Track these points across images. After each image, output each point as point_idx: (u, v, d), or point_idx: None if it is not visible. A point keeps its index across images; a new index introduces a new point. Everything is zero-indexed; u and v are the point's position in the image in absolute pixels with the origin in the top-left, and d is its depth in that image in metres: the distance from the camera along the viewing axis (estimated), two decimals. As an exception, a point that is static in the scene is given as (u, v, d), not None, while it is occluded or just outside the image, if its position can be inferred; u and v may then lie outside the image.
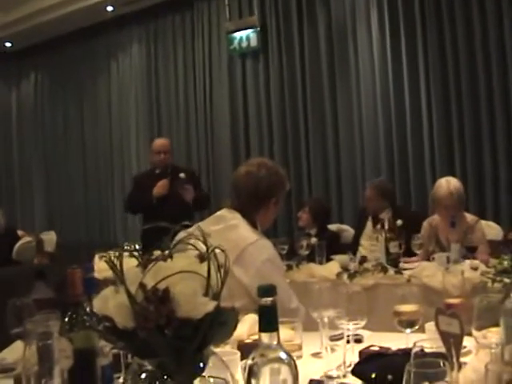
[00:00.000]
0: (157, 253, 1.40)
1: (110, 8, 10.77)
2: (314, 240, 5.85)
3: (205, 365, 1.39)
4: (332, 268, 5.22)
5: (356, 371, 2.17)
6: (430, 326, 2.37)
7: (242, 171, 3.37)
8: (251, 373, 1.35)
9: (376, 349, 2.42)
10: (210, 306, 1.31)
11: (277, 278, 3.09)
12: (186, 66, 10.56)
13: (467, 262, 4.82)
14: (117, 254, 1.36)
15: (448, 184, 5.51)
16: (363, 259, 5.38)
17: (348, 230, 7.08)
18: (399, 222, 5.82)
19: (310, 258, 5.55)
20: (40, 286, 2.87)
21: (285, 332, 2.38)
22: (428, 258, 5.29)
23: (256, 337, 2.41)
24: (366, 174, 8.29)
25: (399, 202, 7.70)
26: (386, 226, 6.05)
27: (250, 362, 1.36)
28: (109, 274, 1.40)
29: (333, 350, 2.31)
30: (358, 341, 2.57)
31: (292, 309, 3.06)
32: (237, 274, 2.98)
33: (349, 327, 2.31)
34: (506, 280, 4.20)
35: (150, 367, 1.38)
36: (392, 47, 8.19)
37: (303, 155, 9.10)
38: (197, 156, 10.36)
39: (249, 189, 3.29)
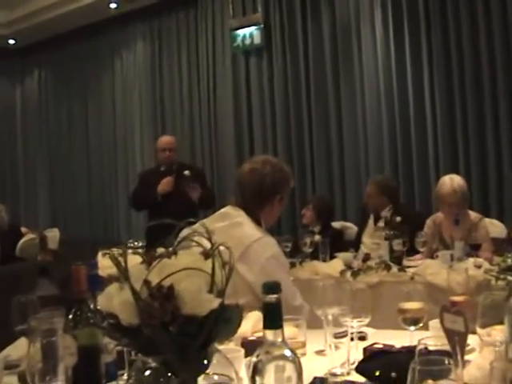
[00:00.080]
0: (160, 250, 1.40)
1: (113, 5, 10.78)
2: (317, 237, 5.85)
3: (209, 362, 1.39)
4: (336, 266, 5.21)
5: (360, 369, 2.16)
6: (434, 323, 2.37)
7: (247, 168, 3.37)
8: (256, 370, 1.35)
9: (380, 346, 2.42)
10: (215, 302, 1.32)
11: (281, 275, 3.08)
12: (189, 63, 10.56)
13: (471, 259, 4.81)
14: (121, 251, 1.36)
15: (452, 181, 5.50)
16: (367, 257, 5.37)
17: (351, 228, 7.07)
18: (398, 218, 5.81)
19: (314, 256, 5.54)
20: (44, 282, 2.88)
21: (289, 329, 2.38)
22: (431, 255, 5.28)
23: (260, 334, 2.42)
24: (370, 172, 8.28)
25: (403, 199, 7.70)
26: (383, 223, 6.06)
27: (254, 359, 1.36)
28: (112, 271, 1.40)
29: (337, 347, 2.30)
30: (362, 338, 2.57)
31: (296, 306, 3.06)
32: (241, 271, 2.98)
33: (353, 325, 2.31)
34: (510, 278, 4.20)
35: (154, 364, 1.38)
36: (396, 45, 8.18)
37: (307, 153, 9.10)
38: (201, 153, 10.37)
39: (253, 186, 3.29)
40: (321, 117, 8.96)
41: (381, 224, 6.13)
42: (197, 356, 1.36)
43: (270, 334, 1.37)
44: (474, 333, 1.93)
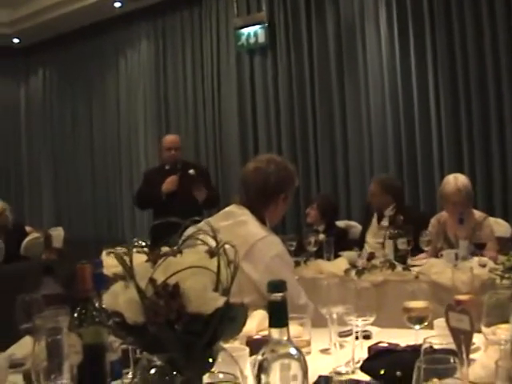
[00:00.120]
0: (165, 249, 1.40)
1: (117, 4, 10.79)
2: (321, 236, 5.84)
3: (214, 360, 1.39)
4: (340, 264, 5.21)
5: (365, 367, 2.16)
6: (439, 322, 2.37)
7: (251, 167, 3.36)
8: (261, 368, 1.35)
9: (385, 345, 2.42)
10: (220, 301, 1.32)
11: (286, 273, 3.07)
12: (194, 62, 10.56)
13: (475, 258, 4.80)
14: (126, 249, 1.36)
15: (456, 180, 5.49)
16: (371, 256, 5.37)
17: (356, 227, 7.06)
18: (401, 217, 5.80)
19: (318, 255, 5.54)
20: (48, 281, 2.89)
21: (293, 328, 2.37)
22: (436, 254, 5.27)
23: (265, 333, 2.42)
24: (375, 171, 8.26)
25: (407, 198, 7.69)
26: (387, 223, 6.05)
27: (260, 357, 1.36)
28: (116, 269, 1.40)
29: (341, 346, 2.31)
30: (367, 337, 2.57)
31: (301, 305, 3.06)
32: (246, 269, 2.97)
33: (357, 323, 2.31)
34: (515, 277, 4.20)
35: (159, 362, 1.38)
36: (400, 45, 8.17)
37: (311, 152, 9.10)
38: (205, 152, 10.37)
39: (257, 185, 3.28)
40: (325, 116, 8.96)
41: (384, 223, 6.13)
42: (202, 354, 1.36)
43: (275, 333, 1.37)
44: (479, 332, 1.93)
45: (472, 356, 2.03)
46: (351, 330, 2.30)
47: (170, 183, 6.90)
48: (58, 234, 9.00)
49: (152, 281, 1.30)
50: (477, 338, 1.99)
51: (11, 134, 13.46)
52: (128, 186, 11.40)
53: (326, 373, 2.19)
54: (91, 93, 12.27)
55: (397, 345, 2.39)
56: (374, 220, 6.31)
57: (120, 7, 10.87)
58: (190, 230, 1.45)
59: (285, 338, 1.37)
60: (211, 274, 1.34)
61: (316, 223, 6.59)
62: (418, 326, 2.37)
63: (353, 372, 2.22)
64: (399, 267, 4.99)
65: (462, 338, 1.78)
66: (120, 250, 1.40)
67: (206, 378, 1.39)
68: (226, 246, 1.38)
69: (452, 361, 1.36)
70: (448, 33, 7.76)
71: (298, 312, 2.60)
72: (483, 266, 4.63)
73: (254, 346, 2.14)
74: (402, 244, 5.22)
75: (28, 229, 8.55)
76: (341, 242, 5.97)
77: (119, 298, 1.34)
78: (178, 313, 1.29)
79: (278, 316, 1.38)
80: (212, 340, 1.35)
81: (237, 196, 3.43)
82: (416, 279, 4.75)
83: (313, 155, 9.08)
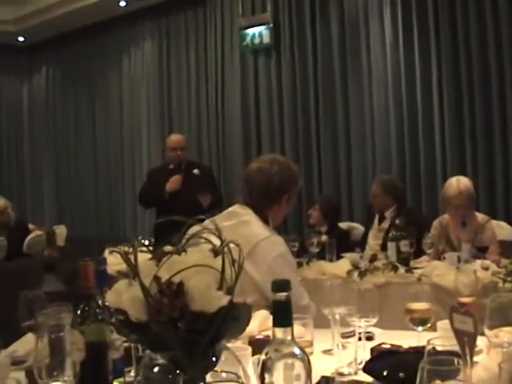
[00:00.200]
0: (168, 248, 1.40)
1: (122, 3, 10.82)
2: (324, 238, 5.84)
3: (217, 359, 1.39)
4: (342, 266, 5.20)
5: (367, 369, 2.16)
6: (442, 324, 2.37)
7: (254, 167, 3.36)
8: (265, 368, 1.34)
9: (388, 347, 2.42)
10: (224, 300, 1.31)
11: (288, 274, 3.05)
12: (198, 62, 10.57)
13: (478, 261, 4.80)
14: (131, 247, 1.36)
15: (458, 183, 5.48)
16: (373, 257, 5.36)
17: (358, 228, 7.06)
18: (400, 220, 5.79)
19: (321, 256, 5.54)
20: (50, 278, 2.88)
21: (296, 328, 2.36)
22: (438, 257, 5.27)
23: (267, 333, 2.42)
24: (377, 172, 8.26)
25: (410, 200, 7.69)
26: (387, 225, 6.04)
27: (263, 356, 1.36)
28: (119, 268, 1.40)
29: (344, 347, 2.30)
30: (370, 338, 2.56)
31: (303, 306, 3.05)
32: (248, 269, 2.96)
33: (360, 324, 2.31)
34: (517, 280, 4.20)
35: (161, 361, 1.38)
36: (405, 44, 8.17)
37: (314, 152, 9.10)
38: (208, 152, 10.37)
39: (261, 186, 3.28)
40: (328, 116, 8.96)
41: (384, 225, 6.12)
42: (205, 353, 1.36)
43: (279, 332, 1.37)
44: (482, 334, 1.93)
45: (475, 359, 2.03)
46: (354, 331, 2.30)
47: (173, 182, 6.90)
48: (60, 232, 8.99)
49: (156, 279, 1.30)
50: (480, 341, 1.98)
51: (14, 131, 13.48)
52: (130, 185, 11.41)
53: (328, 373, 2.19)
54: (94, 92, 12.28)
55: (399, 346, 2.39)
56: (376, 221, 6.30)
57: (125, 6, 10.89)
58: (195, 229, 1.45)
59: (289, 337, 1.37)
60: (215, 273, 1.34)
61: (318, 224, 6.59)
62: (420, 328, 2.37)
63: (355, 373, 2.22)
64: (402, 269, 4.99)
65: (466, 340, 1.78)
66: (124, 248, 1.40)
67: (208, 377, 1.39)
68: (231, 245, 1.37)
69: (456, 362, 1.36)
70: (452, 29, 7.77)
71: (300, 313, 2.60)
72: (486, 269, 4.63)
73: (257, 345, 2.14)
74: (404, 246, 5.22)
75: (31, 226, 8.56)
76: (343, 244, 5.96)
77: (123, 296, 1.34)
78: (181, 311, 1.29)
79: (282, 315, 1.38)
80: (215, 339, 1.35)
81: (240, 196, 3.42)
82: (418, 281, 4.75)
83: (315, 156, 9.09)
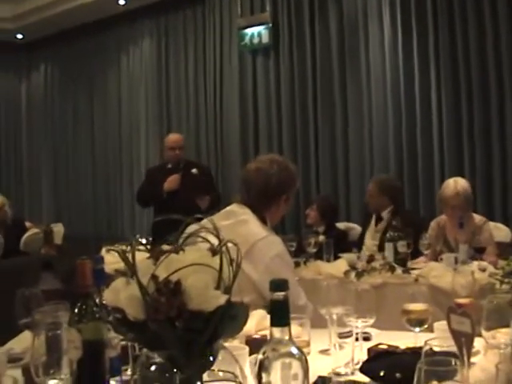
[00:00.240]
0: (166, 247, 1.40)
1: (121, 2, 10.81)
2: (321, 238, 5.84)
3: (214, 358, 1.39)
4: (340, 266, 5.20)
5: (364, 369, 2.16)
6: (439, 325, 2.37)
7: (253, 167, 3.36)
8: (262, 367, 1.34)
9: (384, 347, 2.42)
10: (222, 299, 1.31)
11: (286, 274, 3.05)
12: (196, 61, 10.55)
13: (475, 263, 4.80)
14: (128, 245, 1.36)
15: (455, 184, 5.48)
16: (371, 258, 5.36)
17: (355, 228, 7.06)
18: (396, 221, 5.78)
19: (318, 256, 5.54)
20: (47, 276, 2.88)
21: (293, 328, 2.37)
22: (436, 258, 5.27)
23: (264, 332, 2.42)
24: (375, 172, 8.24)
25: (408, 201, 7.70)
26: (384, 225, 6.04)
27: (261, 356, 1.36)
28: (116, 266, 1.40)
29: (341, 347, 2.31)
30: (367, 339, 2.56)
31: (300, 306, 3.06)
32: (246, 269, 2.95)
33: (357, 325, 2.31)
34: (515, 282, 4.19)
35: (158, 359, 1.38)
36: (403, 45, 8.16)
37: (312, 152, 9.10)
38: (206, 151, 10.36)
39: (259, 186, 3.28)
40: (327, 116, 8.96)
41: (382, 225, 6.12)
42: (202, 352, 1.36)
43: (276, 332, 1.37)
44: (479, 335, 1.93)
45: (472, 359, 2.03)
46: (351, 331, 2.30)
47: (171, 182, 6.91)
48: (58, 230, 8.97)
49: (154, 277, 1.30)
50: (477, 342, 1.99)
51: (12, 129, 13.46)
52: (128, 183, 11.40)
53: (325, 373, 2.19)
54: (93, 90, 12.27)
55: (396, 347, 2.39)
56: (373, 222, 6.29)
57: (124, 5, 10.88)
58: (192, 228, 1.45)
59: (286, 337, 1.37)
60: (213, 272, 1.34)
61: (316, 224, 6.59)
62: (417, 329, 2.37)
63: (352, 373, 2.22)
64: (399, 270, 4.99)
65: (463, 341, 1.78)
66: (121, 246, 1.40)
67: (205, 376, 1.39)
68: (229, 245, 1.37)
69: (453, 363, 1.36)
70: (451, 31, 7.76)
71: (297, 312, 2.60)
72: (483, 270, 4.62)
73: (254, 345, 2.14)
74: (401, 247, 5.22)
75: (28, 224, 8.54)
76: (340, 244, 5.97)
77: (120, 294, 1.33)
78: (178, 310, 1.29)
79: (280, 315, 1.38)
80: (212, 338, 1.35)
81: (238, 195, 3.42)
82: (415, 282, 4.75)
83: (313, 156, 9.08)
